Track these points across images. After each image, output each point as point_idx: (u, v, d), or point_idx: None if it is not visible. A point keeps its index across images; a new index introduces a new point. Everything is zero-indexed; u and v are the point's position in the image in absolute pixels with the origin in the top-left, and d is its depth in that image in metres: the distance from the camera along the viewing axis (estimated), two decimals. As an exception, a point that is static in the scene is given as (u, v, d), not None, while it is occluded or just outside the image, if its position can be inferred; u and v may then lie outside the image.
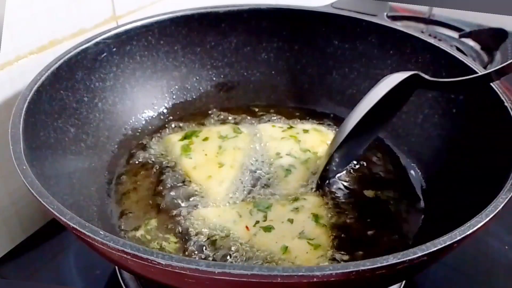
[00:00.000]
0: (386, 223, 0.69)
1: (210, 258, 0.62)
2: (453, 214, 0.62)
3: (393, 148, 0.82)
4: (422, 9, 1.39)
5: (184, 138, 0.81)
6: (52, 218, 0.49)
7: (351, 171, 0.77)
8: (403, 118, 0.82)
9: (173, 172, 0.76)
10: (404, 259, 0.42)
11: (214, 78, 0.92)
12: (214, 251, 0.63)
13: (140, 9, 0.88)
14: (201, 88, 0.91)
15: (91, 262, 0.71)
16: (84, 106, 0.75)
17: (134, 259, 0.43)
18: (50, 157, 0.64)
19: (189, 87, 0.90)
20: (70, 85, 0.72)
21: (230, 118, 0.88)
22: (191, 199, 0.71)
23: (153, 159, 0.79)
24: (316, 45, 0.90)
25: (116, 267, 0.70)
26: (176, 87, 0.89)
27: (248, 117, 0.89)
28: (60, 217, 0.47)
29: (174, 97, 0.89)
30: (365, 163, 0.79)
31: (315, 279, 0.40)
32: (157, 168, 0.77)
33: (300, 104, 0.92)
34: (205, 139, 0.80)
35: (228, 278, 0.41)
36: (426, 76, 0.65)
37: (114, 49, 0.79)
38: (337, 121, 0.87)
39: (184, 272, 0.41)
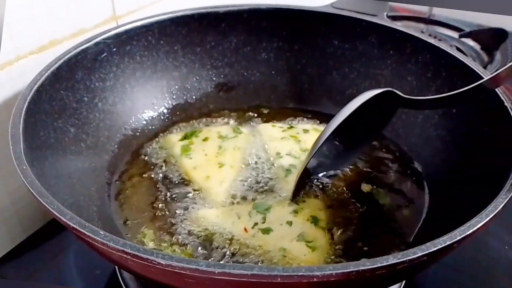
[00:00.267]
0: (385, 224, 0.69)
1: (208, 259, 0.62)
2: (453, 214, 0.62)
3: (393, 148, 0.82)
4: (422, 9, 1.39)
5: (184, 138, 0.81)
6: (52, 218, 0.49)
7: (349, 171, 0.77)
8: (403, 118, 0.82)
9: (173, 172, 0.76)
10: (404, 259, 0.42)
11: (214, 78, 0.92)
12: (211, 251, 0.63)
13: (140, 9, 0.88)
14: (201, 88, 0.91)
15: (91, 262, 0.71)
16: (84, 106, 0.75)
17: (134, 259, 0.43)
18: (50, 157, 0.64)
19: (189, 87, 0.90)
20: (70, 85, 0.72)
21: (230, 118, 0.88)
22: (191, 199, 0.71)
23: (153, 159, 0.79)
24: (316, 45, 0.90)
25: (116, 267, 0.70)
26: (176, 87, 0.89)
27: (248, 117, 0.89)
28: (60, 217, 0.47)
29: (174, 97, 0.89)
30: (364, 163, 0.79)
31: (315, 279, 0.40)
32: (157, 168, 0.77)
33: (300, 104, 0.92)
34: (205, 139, 0.80)
35: (228, 278, 0.41)
36: (401, 94, 0.67)
37: (114, 49, 0.79)
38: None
39: (184, 272, 0.41)
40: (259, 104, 0.92)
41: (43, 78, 0.66)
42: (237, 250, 0.63)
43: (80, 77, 0.74)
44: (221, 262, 0.61)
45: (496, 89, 0.66)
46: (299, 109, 0.91)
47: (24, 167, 0.52)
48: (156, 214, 0.69)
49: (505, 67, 0.59)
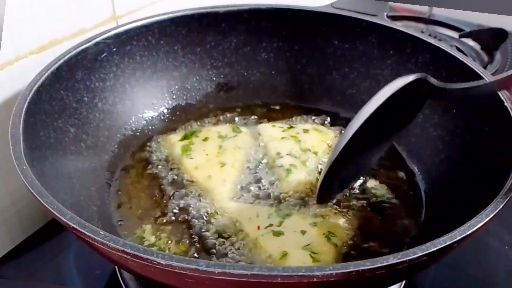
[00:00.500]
0: (385, 224, 0.69)
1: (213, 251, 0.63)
2: (453, 214, 0.62)
3: (393, 148, 0.82)
4: (422, 9, 1.39)
5: (184, 138, 0.81)
6: (52, 218, 0.49)
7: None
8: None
9: (174, 172, 0.76)
10: (404, 259, 0.42)
11: (214, 78, 0.92)
12: (219, 245, 0.64)
13: (140, 9, 0.88)
14: (201, 88, 0.91)
15: (91, 262, 0.71)
16: (84, 106, 0.75)
17: (134, 259, 0.43)
18: (50, 157, 0.64)
19: (189, 87, 0.90)
20: (70, 85, 0.72)
21: (230, 118, 0.88)
22: (192, 198, 0.71)
23: (153, 159, 0.79)
24: (316, 45, 0.90)
25: (116, 267, 0.70)
26: (176, 87, 0.89)
27: (248, 117, 0.89)
28: (60, 217, 0.47)
29: (174, 97, 0.89)
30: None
31: (315, 279, 0.40)
32: (157, 168, 0.77)
33: (300, 104, 0.92)
34: (205, 139, 0.80)
35: (228, 278, 0.41)
36: (433, 81, 0.61)
37: (114, 49, 0.79)
38: (337, 121, 0.88)
39: (184, 272, 0.41)
40: (259, 104, 0.92)
41: (43, 78, 0.66)
42: (240, 246, 0.63)
43: (80, 77, 0.74)
44: (223, 255, 0.62)
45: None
46: (299, 109, 0.91)
47: (24, 167, 0.52)
48: (157, 213, 0.69)
49: None
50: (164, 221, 0.68)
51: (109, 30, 0.78)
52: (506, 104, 0.64)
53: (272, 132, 0.83)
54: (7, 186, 0.72)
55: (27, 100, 0.61)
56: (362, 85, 0.87)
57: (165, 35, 0.85)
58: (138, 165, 0.78)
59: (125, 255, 0.43)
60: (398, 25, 0.86)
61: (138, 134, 0.83)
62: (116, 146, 0.79)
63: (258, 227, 0.65)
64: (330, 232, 0.64)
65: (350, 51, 0.88)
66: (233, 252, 0.63)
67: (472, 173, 0.66)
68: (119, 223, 0.68)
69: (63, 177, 0.65)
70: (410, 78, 0.60)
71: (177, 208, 0.70)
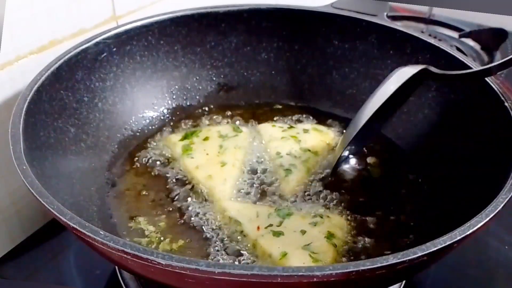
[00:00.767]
0: (385, 225, 0.69)
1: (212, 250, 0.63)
2: (453, 214, 0.62)
3: (392, 148, 0.82)
4: (422, 9, 1.39)
5: (185, 138, 0.81)
6: (52, 218, 0.49)
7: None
8: (403, 119, 0.82)
9: (174, 171, 0.76)
10: (404, 259, 0.42)
11: (214, 78, 0.92)
12: (219, 245, 0.64)
13: (140, 9, 0.88)
14: (201, 88, 0.91)
15: (91, 262, 0.71)
16: (84, 106, 0.75)
17: (134, 259, 0.43)
18: (50, 157, 0.64)
19: (189, 87, 0.90)
20: (70, 85, 0.72)
21: (230, 118, 0.88)
22: (193, 198, 0.71)
23: (153, 159, 0.79)
24: (316, 45, 0.90)
25: (116, 267, 0.70)
26: (176, 87, 0.89)
27: (248, 117, 0.89)
28: (61, 217, 0.47)
29: (174, 97, 0.89)
30: (363, 165, 0.79)
31: (315, 279, 0.41)
32: (158, 168, 0.77)
33: (300, 104, 0.92)
34: (206, 138, 0.80)
35: (228, 278, 0.41)
36: (435, 70, 0.68)
37: (114, 49, 0.79)
38: (337, 120, 0.88)
39: (184, 272, 0.41)
40: (259, 104, 0.92)
41: (43, 78, 0.66)
42: (241, 245, 0.64)
43: (80, 77, 0.74)
44: (225, 254, 0.61)
45: (496, 89, 0.66)
46: (299, 109, 0.91)
47: (24, 167, 0.52)
48: (157, 213, 0.69)
49: None
50: (164, 221, 0.68)
51: (109, 30, 0.78)
52: (506, 104, 0.64)
53: (272, 132, 0.83)
54: (7, 186, 0.72)
55: (27, 100, 0.62)
56: (362, 85, 0.87)
57: (165, 35, 0.85)
58: (138, 165, 0.78)
59: (125, 255, 0.43)
60: (398, 25, 0.87)
61: (138, 134, 0.83)
62: (116, 146, 0.79)
63: (258, 227, 0.65)
64: (330, 232, 0.64)
65: (350, 51, 0.88)
66: (233, 252, 0.63)
67: (472, 173, 0.66)
68: (119, 223, 0.68)
69: (63, 177, 0.65)
70: (416, 69, 0.68)
71: (177, 208, 0.70)
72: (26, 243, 0.77)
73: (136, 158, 0.79)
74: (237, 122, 0.87)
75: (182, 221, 0.68)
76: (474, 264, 0.73)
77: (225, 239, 0.65)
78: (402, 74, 0.69)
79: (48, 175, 0.59)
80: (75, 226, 0.46)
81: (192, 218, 0.68)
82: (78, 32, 0.78)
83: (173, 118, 0.88)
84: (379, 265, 0.42)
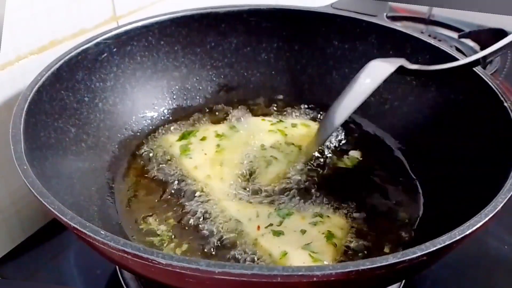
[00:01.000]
0: (384, 225, 0.69)
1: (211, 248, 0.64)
2: (453, 214, 0.62)
3: (392, 149, 0.82)
4: (422, 9, 1.39)
5: (182, 138, 0.81)
6: (52, 218, 0.49)
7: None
8: (403, 118, 0.82)
9: (174, 171, 0.76)
10: (404, 258, 0.42)
11: (214, 79, 0.92)
12: (219, 245, 0.64)
13: (141, 9, 0.88)
14: (201, 88, 0.91)
15: (91, 262, 0.72)
16: (85, 106, 0.75)
17: (135, 259, 0.43)
18: (51, 157, 0.64)
19: (189, 87, 0.90)
20: (71, 86, 0.72)
21: (230, 118, 0.88)
22: (193, 198, 0.71)
23: (153, 159, 0.79)
24: (316, 45, 0.90)
25: (117, 267, 0.70)
26: (177, 87, 0.89)
27: (248, 117, 0.89)
28: (61, 217, 0.47)
29: (174, 97, 0.89)
30: (364, 167, 0.79)
31: (315, 279, 0.41)
32: (158, 168, 0.77)
33: (300, 104, 0.92)
34: (203, 138, 0.80)
35: (228, 277, 0.41)
36: (410, 66, 0.70)
37: (115, 50, 0.79)
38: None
39: (184, 272, 0.42)
40: (259, 104, 0.92)
41: (43, 78, 0.66)
42: (239, 245, 0.64)
43: (81, 78, 0.74)
44: (221, 253, 0.62)
45: (496, 89, 0.66)
46: (299, 109, 0.91)
47: (25, 167, 0.52)
48: (157, 213, 0.70)
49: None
50: (164, 221, 0.68)
51: (110, 31, 0.78)
52: (505, 104, 0.64)
53: (260, 125, 0.83)
54: (7, 186, 0.72)
55: (28, 101, 0.62)
56: (362, 85, 0.87)
57: (165, 36, 0.85)
58: (138, 165, 0.78)
59: (125, 255, 0.43)
60: (398, 26, 0.87)
61: (138, 134, 0.83)
62: (116, 146, 0.79)
63: (258, 227, 0.65)
64: (330, 232, 0.64)
65: (350, 51, 0.88)
66: (233, 252, 0.63)
67: (471, 173, 0.66)
68: (119, 223, 0.68)
69: (63, 177, 0.65)
70: (391, 69, 0.70)
71: (177, 207, 0.70)
72: (26, 243, 0.77)
73: (136, 158, 0.79)
74: (237, 122, 0.87)
75: (182, 221, 0.68)
76: (474, 264, 0.73)
77: (225, 239, 0.65)
78: (379, 70, 0.70)
79: (48, 175, 0.59)
80: (76, 226, 0.46)
81: (192, 218, 0.68)
82: (78, 33, 0.78)
83: (173, 118, 0.88)
84: (379, 264, 0.42)
